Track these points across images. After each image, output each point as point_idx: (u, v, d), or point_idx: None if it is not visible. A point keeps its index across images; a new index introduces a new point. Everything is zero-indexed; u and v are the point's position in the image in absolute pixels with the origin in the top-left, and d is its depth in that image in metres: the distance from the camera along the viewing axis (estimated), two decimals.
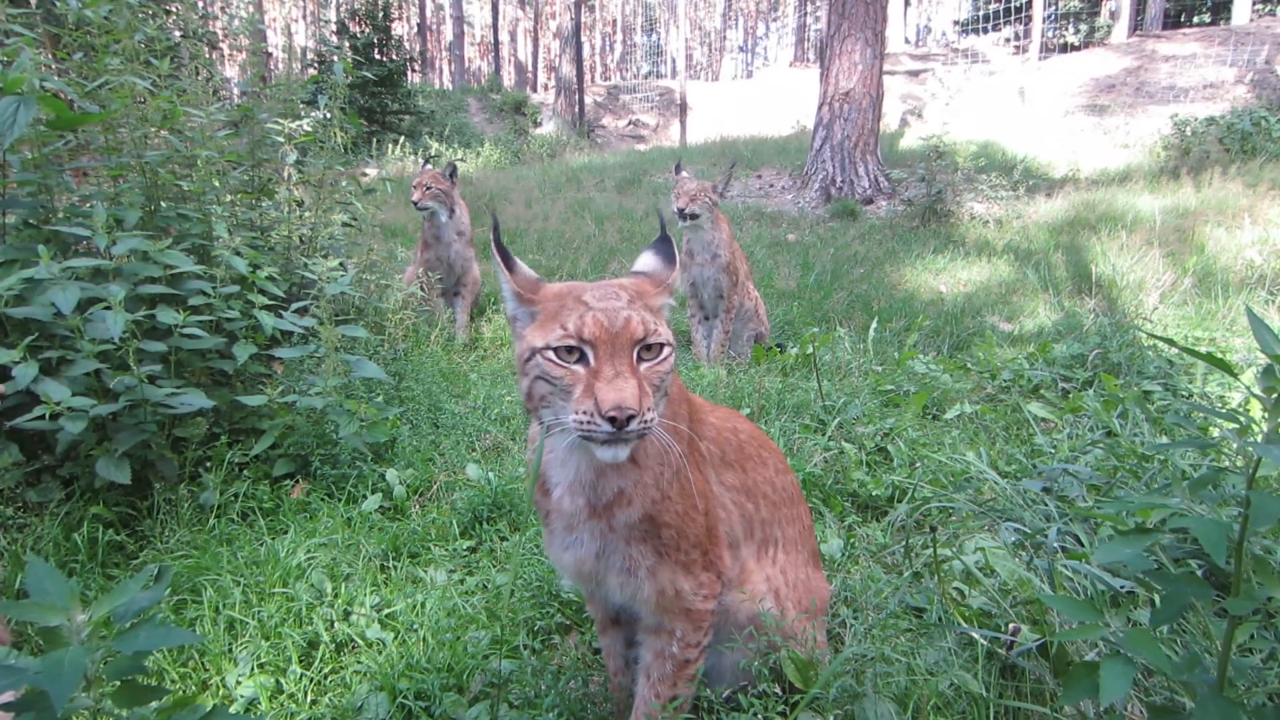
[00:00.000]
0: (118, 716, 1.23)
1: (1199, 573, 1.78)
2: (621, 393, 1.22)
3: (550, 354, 1.29)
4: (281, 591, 2.20)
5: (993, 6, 20.27)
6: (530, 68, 37.19)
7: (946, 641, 1.85)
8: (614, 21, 50.44)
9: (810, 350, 3.89)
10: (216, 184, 3.49)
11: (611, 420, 1.22)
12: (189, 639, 1.30)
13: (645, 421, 1.25)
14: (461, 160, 5.32)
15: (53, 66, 3.31)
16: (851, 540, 2.50)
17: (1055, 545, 2.03)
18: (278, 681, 1.91)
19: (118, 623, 1.22)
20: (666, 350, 1.34)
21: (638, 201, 9.76)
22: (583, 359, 1.29)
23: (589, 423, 1.24)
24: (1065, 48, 20.23)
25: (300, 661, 1.97)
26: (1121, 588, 1.84)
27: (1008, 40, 19.67)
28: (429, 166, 5.16)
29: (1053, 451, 2.95)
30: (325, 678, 1.95)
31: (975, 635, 1.80)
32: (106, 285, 2.51)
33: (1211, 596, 1.16)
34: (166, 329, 2.65)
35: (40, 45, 3.14)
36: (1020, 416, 3.45)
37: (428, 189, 4.81)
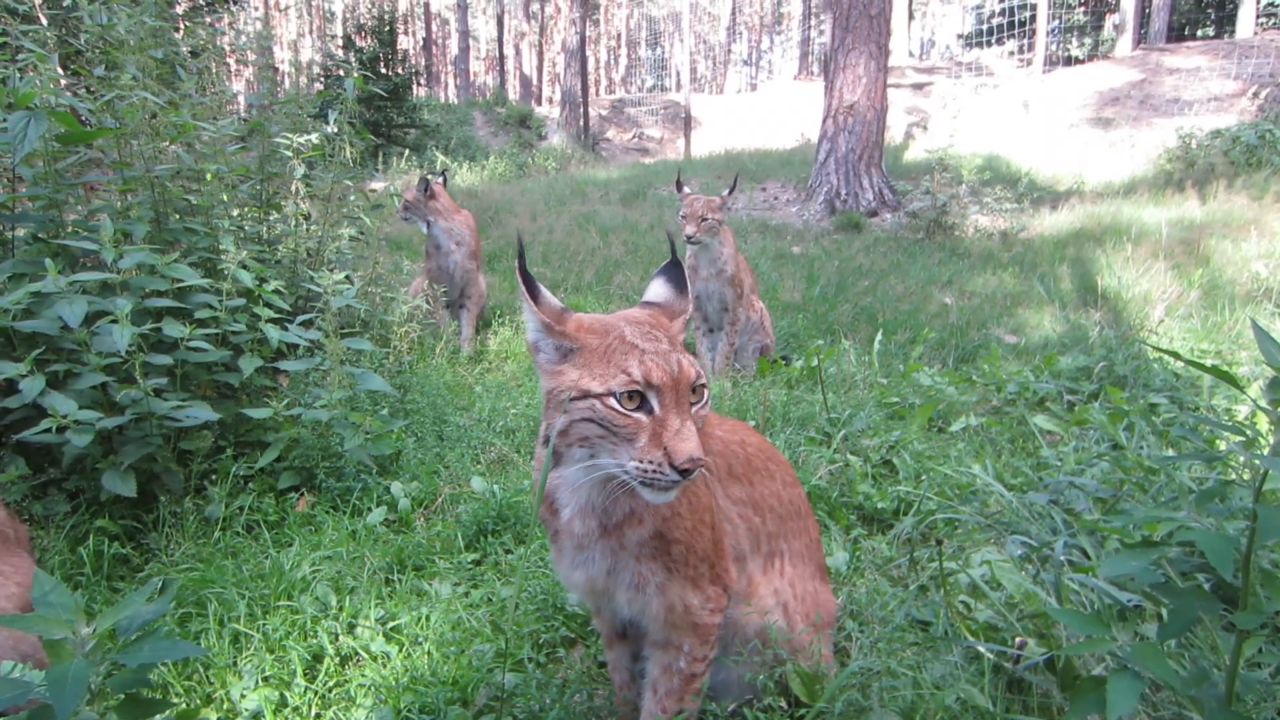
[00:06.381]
0: None
1: (1206, 586, 1.76)
2: (689, 443, 1.23)
3: (613, 401, 1.26)
4: (286, 604, 2.20)
5: (996, 20, 20.35)
6: (535, 81, 37.42)
7: (953, 655, 1.83)
8: (619, 35, 50.77)
9: (815, 363, 3.89)
10: (224, 198, 3.52)
11: (684, 472, 1.22)
12: (193, 652, 1.30)
13: (703, 466, 1.26)
14: (440, 174, 5.34)
15: (62, 82, 3.35)
16: (857, 553, 2.50)
17: (1062, 558, 2.02)
18: (282, 695, 1.91)
19: (122, 636, 1.22)
20: (707, 393, 1.36)
21: (642, 214, 9.79)
22: (643, 405, 1.27)
23: (655, 471, 1.24)
24: (1069, 60, 20.28)
25: (305, 675, 1.97)
26: (1129, 602, 1.83)
27: (1012, 53, 19.74)
28: (436, 180, 5.19)
29: (1059, 464, 2.93)
30: (330, 691, 1.94)
31: (982, 649, 1.79)
32: (113, 299, 2.53)
33: (1219, 610, 1.15)
34: (173, 342, 2.66)
35: (53, 60, 3.17)
36: (1026, 429, 3.44)
37: (405, 203, 5.04)
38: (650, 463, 1.24)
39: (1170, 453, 2.82)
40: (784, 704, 1.63)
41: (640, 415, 1.27)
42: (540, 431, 1.39)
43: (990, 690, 1.71)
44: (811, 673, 1.67)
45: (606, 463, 1.30)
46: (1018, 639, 1.82)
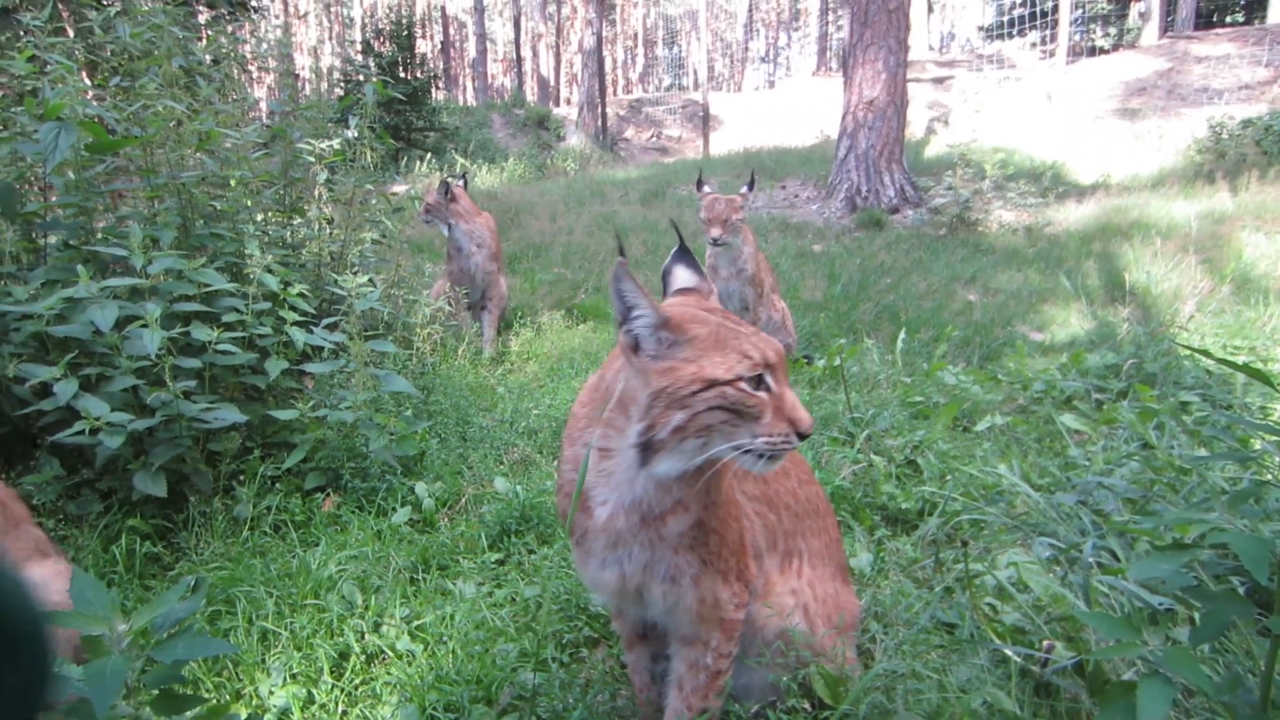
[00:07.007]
0: None
1: (1240, 590, 1.73)
2: (805, 411, 1.34)
3: (744, 385, 1.29)
4: (313, 603, 2.23)
5: (1018, 11, 20.08)
6: (553, 82, 37.50)
7: (979, 658, 1.82)
8: (635, 35, 50.74)
9: (838, 362, 3.87)
10: (249, 203, 3.57)
11: (804, 437, 1.33)
12: (224, 649, 1.32)
13: None
14: (460, 177, 5.35)
15: (89, 92, 3.42)
16: (881, 554, 2.48)
17: (1090, 560, 2.00)
18: (309, 692, 1.93)
19: (156, 633, 1.24)
20: None
21: (662, 214, 9.78)
22: (761, 385, 1.31)
23: (784, 442, 1.31)
24: (1094, 51, 19.97)
25: (331, 672, 1.99)
26: (1160, 605, 1.80)
27: (1034, 45, 19.46)
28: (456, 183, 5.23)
29: (1087, 464, 2.90)
30: (356, 688, 1.97)
31: (1008, 652, 1.78)
32: (143, 303, 2.57)
33: (1254, 615, 1.13)
34: (201, 345, 2.70)
35: (79, 71, 3.24)
36: (1053, 428, 3.39)
37: (426, 206, 5.06)
38: (779, 435, 1.31)
39: (1202, 452, 2.77)
40: (807, 706, 1.62)
41: (762, 394, 1.31)
42: (633, 435, 1.34)
43: (1017, 694, 1.70)
44: (835, 675, 1.66)
45: (721, 448, 1.31)
46: (1045, 642, 1.80)
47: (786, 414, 1.32)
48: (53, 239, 3.07)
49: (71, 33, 4.40)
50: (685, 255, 1.61)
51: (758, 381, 1.31)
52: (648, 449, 1.33)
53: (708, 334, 1.33)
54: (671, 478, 1.37)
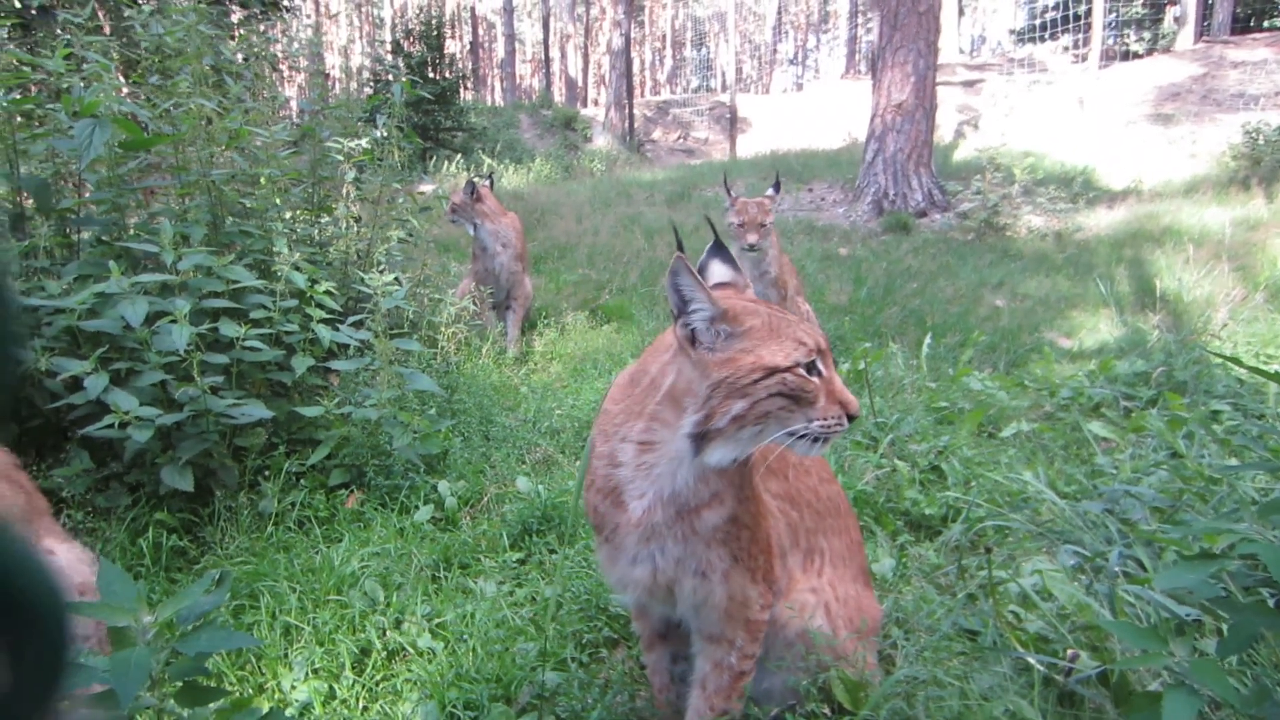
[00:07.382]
0: (179, 716, 1.28)
1: (1270, 601, 1.70)
2: (850, 394, 1.37)
3: (801, 370, 1.32)
4: (336, 599, 2.25)
5: (1050, 15, 19.82)
6: (580, 83, 37.61)
7: (1002, 666, 1.79)
8: (663, 36, 50.75)
9: (862, 366, 3.83)
10: (278, 201, 3.61)
11: (854, 418, 1.36)
12: (248, 643, 1.34)
13: None
14: (486, 177, 5.37)
15: (124, 90, 3.48)
16: (904, 560, 2.46)
17: (1116, 569, 1.96)
18: (331, 687, 1.95)
19: (181, 625, 1.26)
20: None
21: (688, 216, 9.76)
22: (813, 370, 1.34)
23: (837, 424, 1.34)
24: (1127, 55, 19.63)
25: (353, 668, 2.01)
26: (1187, 615, 1.77)
27: (1066, 49, 19.19)
28: (482, 183, 5.26)
29: (1114, 472, 2.85)
30: (377, 685, 1.98)
31: (1032, 660, 1.75)
32: (173, 299, 2.62)
33: None
34: (229, 342, 2.74)
35: (115, 70, 3.30)
36: (1080, 435, 3.34)
37: (452, 206, 5.06)
38: (833, 418, 1.34)
39: (1233, 462, 2.72)
40: (827, 710, 1.61)
41: (816, 379, 1.34)
42: (688, 426, 1.35)
43: (1040, 703, 1.67)
44: (856, 680, 1.65)
45: (777, 434, 1.33)
46: (1069, 651, 1.77)
47: (837, 397, 1.35)
48: (86, 234, 3.13)
49: (108, 30, 4.49)
50: (720, 250, 1.62)
51: (810, 367, 1.33)
52: (703, 439, 1.35)
53: (762, 324, 1.35)
54: (723, 467, 1.39)
